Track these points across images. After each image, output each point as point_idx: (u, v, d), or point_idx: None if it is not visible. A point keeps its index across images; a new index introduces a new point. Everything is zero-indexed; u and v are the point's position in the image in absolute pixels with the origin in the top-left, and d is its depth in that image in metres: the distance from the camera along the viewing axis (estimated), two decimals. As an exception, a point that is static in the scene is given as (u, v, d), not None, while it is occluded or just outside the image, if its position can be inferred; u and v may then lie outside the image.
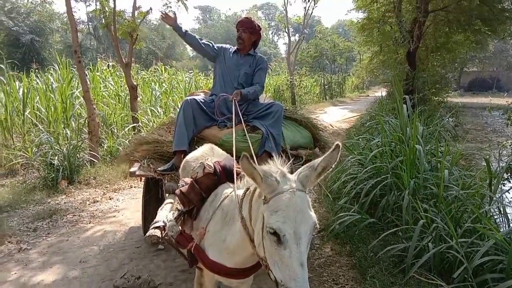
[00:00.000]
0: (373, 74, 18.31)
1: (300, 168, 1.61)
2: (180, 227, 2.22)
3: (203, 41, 4.12)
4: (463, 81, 33.45)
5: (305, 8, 21.37)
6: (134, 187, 6.35)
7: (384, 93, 14.58)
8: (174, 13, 4.09)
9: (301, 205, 1.45)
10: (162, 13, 4.02)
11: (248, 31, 3.92)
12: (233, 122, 3.17)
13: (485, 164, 3.96)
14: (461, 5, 10.37)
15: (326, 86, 27.68)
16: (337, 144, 1.66)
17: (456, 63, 16.17)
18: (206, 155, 2.58)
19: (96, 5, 31.24)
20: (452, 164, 4.54)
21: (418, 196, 3.92)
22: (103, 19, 8.28)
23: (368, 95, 31.75)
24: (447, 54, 13.43)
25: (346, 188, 4.78)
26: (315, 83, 26.38)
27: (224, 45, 4.17)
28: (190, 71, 15.97)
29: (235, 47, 4.07)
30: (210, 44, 4.11)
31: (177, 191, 2.25)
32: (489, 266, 3.00)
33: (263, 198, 1.54)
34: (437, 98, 13.37)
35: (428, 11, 10.64)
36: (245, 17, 4.02)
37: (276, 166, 1.59)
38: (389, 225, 3.99)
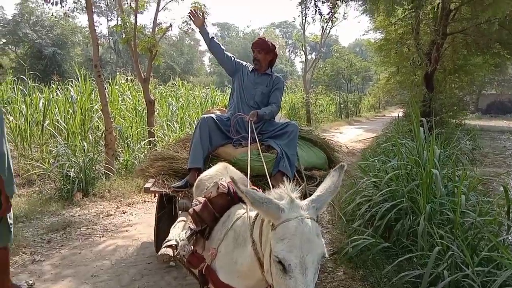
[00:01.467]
0: (389, 95, 18.26)
1: (312, 196, 1.59)
2: (192, 247, 2.20)
3: (227, 52, 4.16)
4: (481, 104, 33.02)
5: (322, 27, 21.51)
6: (148, 201, 6.38)
7: (400, 114, 14.48)
8: (203, 14, 4.12)
9: (308, 234, 1.42)
10: (191, 11, 4.06)
11: (263, 52, 3.95)
12: (249, 142, 3.18)
13: (503, 191, 3.87)
14: (480, 28, 10.30)
15: (342, 105, 27.64)
16: (341, 165, 1.69)
17: (474, 85, 16.05)
18: (220, 174, 2.57)
19: (117, 20, 31.99)
20: (469, 189, 4.46)
21: (434, 221, 3.84)
22: (123, 34, 8.46)
23: (384, 115, 31.58)
24: (465, 77, 13.32)
25: (360, 210, 4.72)
26: (331, 102, 26.39)
27: (243, 62, 4.21)
28: (207, 87, 16.15)
29: (252, 66, 4.11)
30: (232, 58, 4.15)
31: (190, 210, 2.24)
32: (507, 297, 2.92)
33: (271, 224, 1.51)
34: (454, 121, 13.22)
35: (446, 34, 10.60)
36: (259, 38, 4.05)
37: (286, 191, 1.56)
38: (404, 250, 3.91)
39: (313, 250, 1.41)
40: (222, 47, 4.16)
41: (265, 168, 2.67)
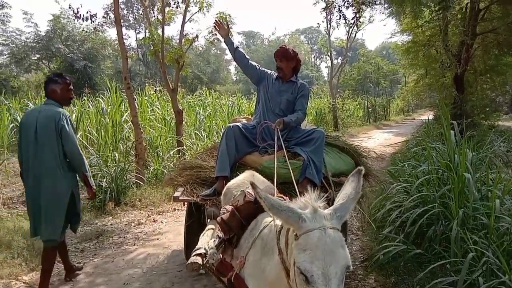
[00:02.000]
0: (419, 97, 17.93)
1: (335, 205, 1.56)
2: (220, 255, 2.22)
3: (251, 62, 4.19)
4: (515, 104, 31.92)
5: (348, 31, 21.39)
6: (178, 210, 6.47)
7: (431, 117, 14.18)
8: (227, 24, 4.17)
9: (331, 245, 1.39)
10: (216, 21, 4.13)
11: (285, 60, 3.96)
12: (275, 149, 3.20)
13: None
14: (511, 27, 10.02)
15: (370, 109, 27.29)
16: (359, 169, 1.65)
17: (507, 85, 15.52)
18: (247, 182, 2.59)
19: (145, 33, 32.72)
20: (504, 192, 4.31)
21: (467, 226, 3.74)
22: (151, 46, 8.66)
23: (414, 118, 30.99)
24: (497, 77, 12.95)
25: (391, 216, 4.64)
26: (358, 106, 26.10)
27: (267, 71, 4.23)
28: (233, 95, 16.30)
29: (277, 74, 4.12)
30: (257, 66, 4.18)
31: (218, 219, 2.26)
32: (546, 305, 2.80)
33: (294, 234, 1.49)
34: (487, 123, 12.84)
35: (476, 34, 10.35)
36: (280, 46, 4.06)
37: (309, 201, 1.54)
38: (436, 257, 3.82)
39: (336, 261, 1.38)
40: (247, 56, 4.20)
41: (292, 175, 2.68)
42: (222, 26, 4.06)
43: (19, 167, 3.73)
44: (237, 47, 4.12)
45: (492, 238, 3.38)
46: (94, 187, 3.96)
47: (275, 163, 2.81)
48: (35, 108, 4.05)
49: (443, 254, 3.74)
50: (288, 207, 1.50)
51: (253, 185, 1.57)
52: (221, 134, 3.92)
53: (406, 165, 6.14)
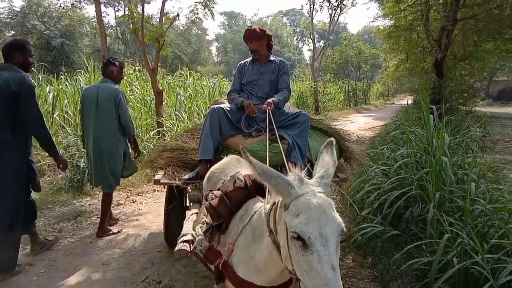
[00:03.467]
0: (399, 82, 18.12)
1: (319, 173, 1.59)
2: (208, 242, 2.20)
3: (236, 90, 4.04)
4: (492, 91, 32.58)
5: (331, 14, 21.32)
6: (157, 191, 6.44)
7: (410, 101, 14.36)
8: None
9: (323, 206, 1.40)
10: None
11: (255, 40, 3.86)
12: (267, 131, 3.15)
13: (514, 178, 3.85)
14: (491, 14, 10.14)
15: (350, 93, 27.47)
16: (330, 141, 1.74)
17: (485, 72, 15.83)
18: (233, 166, 2.54)
19: (125, 10, 31.96)
20: (479, 176, 4.43)
21: (444, 209, 3.82)
22: (131, 24, 8.45)
23: (393, 103, 31.36)
24: (476, 63, 13.17)
25: (369, 198, 4.72)
26: (339, 90, 26.23)
27: (239, 64, 4.12)
28: (214, 77, 16.12)
29: (250, 58, 4.03)
30: (238, 89, 4.03)
31: (207, 204, 2.20)
32: (517, 284, 2.90)
33: (283, 205, 1.49)
34: (464, 108, 13.09)
35: (457, 19, 10.45)
36: (246, 30, 3.93)
37: (295, 172, 1.55)
38: (413, 238, 3.91)
39: (331, 222, 1.38)
40: (234, 96, 3.95)
41: (288, 167, 2.66)
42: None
43: (81, 131, 4.81)
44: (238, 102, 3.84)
45: (467, 220, 3.47)
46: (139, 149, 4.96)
47: (267, 148, 2.74)
48: (94, 85, 4.68)
49: (419, 236, 3.83)
50: (277, 174, 1.51)
51: (243, 151, 1.56)
52: (204, 116, 3.85)
53: (385, 149, 6.23)
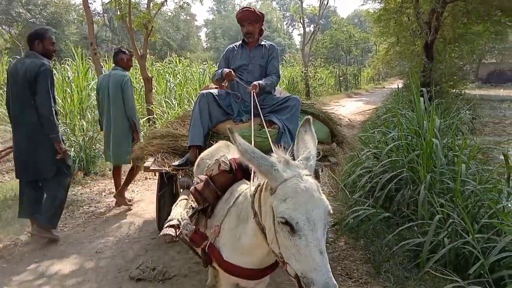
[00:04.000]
0: (389, 66, 18.12)
1: (303, 155, 1.58)
2: (194, 226, 2.19)
3: (223, 69, 3.96)
4: (481, 73, 32.73)
5: (320, -2, 21.15)
6: (149, 178, 6.41)
7: (400, 85, 14.39)
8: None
9: (310, 189, 1.40)
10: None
11: (254, 22, 3.78)
12: (251, 114, 3.12)
13: (503, 158, 3.89)
14: (480, -5, 10.15)
15: (341, 78, 27.41)
16: (307, 118, 1.73)
17: (474, 54, 15.88)
18: (222, 152, 2.55)
19: (111, -4, 31.39)
20: (469, 158, 4.47)
21: (434, 190, 3.87)
22: (118, 11, 8.31)
23: (384, 87, 31.40)
24: (465, 46, 13.20)
25: (361, 182, 4.75)
26: (330, 75, 26.14)
27: (227, 49, 4.07)
28: (204, 63, 15.98)
29: (239, 42, 3.98)
30: (224, 61, 4.00)
31: (192, 189, 2.20)
32: (506, 262, 2.96)
33: (269, 189, 1.48)
34: (454, 91, 13.16)
35: (446, 2, 10.43)
36: (245, 9, 3.82)
37: (279, 154, 1.53)
38: (404, 220, 3.95)
39: (318, 206, 1.38)
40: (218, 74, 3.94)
41: (273, 149, 2.65)
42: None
43: (99, 115, 5.29)
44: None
45: (458, 201, 3.51)
46: (140, 133, 5.17)
47: (252, 131, 2.72)
48: (106, 73, 5.23)
49: (410, 217, 3.89)
50: (261, 155, 1.49)
51: (230, 130, 1.55)
52: (194, 102, 3.81)
53: (376, 132, 6.26)
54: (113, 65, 5.11)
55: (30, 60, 3.78)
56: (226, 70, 3.72)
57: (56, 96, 8.50)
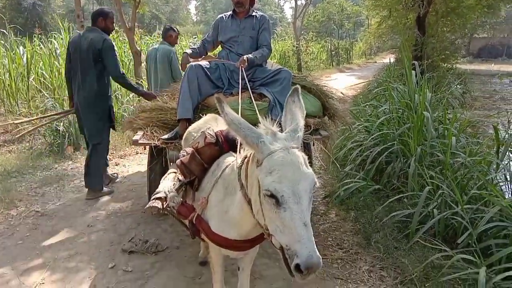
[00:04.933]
0: (381, 40, 17.97)
1: (291, 126, 1.56)
2: (181, 198, 2.16)
3: (206, 44, 4.02)
4: (472, 48, 32.69)
5: (312, -30, 20.76)
6: (140, 153, 6.38)
7: (392, 60, 14.32)
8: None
9: (296, 162, 1.39)
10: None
11: None
12: (239, 89, 3.10)
13: (493, 132, 3.91)
14: (474, -32, 10.02)
15: (333, 52, 27.21)
16: (295, 88, 1.70)
17: (466, 28, 15.76)
18: (210, 125, 2.52)
19: (98, -32, 30.53)
20: (459, 131, 4.50)
21: (425, 163, 3.90)
22: (105, -18, 8.09)
23: (375, 62, 31.23)
24: (457, 19, 13.09)
25: (352, 155, 4.77)
26: (322, 49, 25.92)
27: (216, 19, 4.00)
28: (194, 37, 15.72)
29: (230, 12, 3.90)
30: (211, 36, 3.99)
31: (178, 162, 2.20)
32: (493, 232, 3.02)
33: (256, 161, 1.48)
34: (445, 65, 13.13)
35: (439, -26, 10.30)
36: None
37: (266, 126, 1.52)
38: (395, 192, 3.99)
39: (304, 178, 1.38)
40: (196, 48, 3.98)
41: (260, 120, 2.64)
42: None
43: (147, 83, 5.93)
44: (191, 52, 3.88)
45: (448, 173, 3.55)
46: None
47: (240, 104, 2.70)
48: (154, 47, 5.68)
49: (401, 189, 3.92)
50: (248, 126, 1.48)
51: (218, 99, 1.52)
52: (182, 75, 3.76)
53: (367, 106, 6.26)
54: (162, 39, 5.67)
55: (93, 34, 4.28)
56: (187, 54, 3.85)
57: (43, 70, 8.45)
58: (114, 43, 4.56)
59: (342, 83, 14.22)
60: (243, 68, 3.41)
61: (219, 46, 4.14)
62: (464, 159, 3.70)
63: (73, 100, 4.54)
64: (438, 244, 3.00)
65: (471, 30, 19.82)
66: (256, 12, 3.87)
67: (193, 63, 3.64)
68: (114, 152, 6.42)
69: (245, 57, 3.49)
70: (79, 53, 4.29)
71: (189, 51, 3.90)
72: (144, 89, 5.59)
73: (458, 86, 9.30)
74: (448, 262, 2.74)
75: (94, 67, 4.29)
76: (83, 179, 4.62)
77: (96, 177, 4.53)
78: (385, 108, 5.25)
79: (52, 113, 5.66)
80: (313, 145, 3.90)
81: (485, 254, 2.85)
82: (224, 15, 3.95)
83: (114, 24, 4.71)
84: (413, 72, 4.96)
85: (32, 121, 6.04)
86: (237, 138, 1.54)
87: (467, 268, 2.68)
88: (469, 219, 3.01)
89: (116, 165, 5.88)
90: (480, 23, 22.96)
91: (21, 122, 6.22)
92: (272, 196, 1.36)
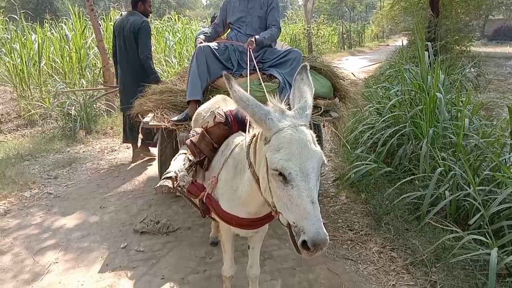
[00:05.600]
0: (393, 22, 17.62)
1: (300, 104, 1.54)
2: (191, 178, 2.18)
3: (217, 28, 4.02)
4: (487, 30, 31.93)
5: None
6: (151, 136, 6.40)
7: (405, 42, 14.07)
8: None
9: (305, 140, 1.38)
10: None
11: None
12: (248, 71, 3.08)
13: (507, 114, 3.84)
14: None
15: (344, 35, 26.84)
16: (304, 65, 1.69)
17: (481, 10, 15.37)
18: (219, 105, 2.51)
19: (107, -48, 30.31)
20: (472, 113, 4.42)
21: (437, 145, 3.85)
22: (114, -35, 8.04)
23: (388, 45, 30.74)
24: (472, 0, 12.77)
25: (363, 137, 4.73)
26: (333, 32, 25.59)
27: (224, 2, 3.98)
28: (204, 20, 15.63)
29: None
30: (217, 23, 4.00)
31: (188, 141, 2.20)
32: (506, 213, 2.98)
33: (263, 139, 1.46)
34: (459, 47, 12.86)
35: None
36: None
37: (275, 103, 1.49)
38: (406, 174, 3.95)
39: (312, 156, 1.37)
40: (208, 33, 3.97)
41: (268, 98, 2.62)
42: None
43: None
44: (201, 42, 3.78)
45: (460, 155, 3.49)
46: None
47: (248, 86, 2.69)
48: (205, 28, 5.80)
49: (412, 172, 3.88)
50: (256, 103, 1.46)
51: (226, 76, 1.51)
52: (191, 56, 3.74)
53: (379, 88, 6.18)
54: (211, 23, 5.75)
55: (134, 17, 4.80)
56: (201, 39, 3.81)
57: (54, 55, 8.49)
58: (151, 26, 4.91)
59: (353, 66, 14.06)
60: (251, 50, 3.39)
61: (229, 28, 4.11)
62: (477, 141, 3.64)
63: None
64: (449, 225, 2.98)
65: (486, 11, 19.36)
66: None
67: (202, 44, 3.62)
68: (125, 135, 6.46)
69: (253, 38, 3.46)
70: (122, 34, 4.83)
71: (202, 36, 3.86)
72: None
73: (472, 68, 9.12)
74: (459, 243, 2.72)
75: (136, 46, 4.75)
76: (95, 162, 4.67)
77: (145, 139, 5.19)
78: (397, 90, 5.17)
79: (100, 87, 6.62)
80: (324, 126, 3.87)
81: (497, 236, 2.82)
82: None
83: (151, 7, 5.18)
84: (426, 53, 4.87)
85: (83, 91, 6.69)
86: (246, 116, 1.53)
87: (479, 249, 2.66)
88: (481, 200, 2.97)
89: (128, 148, 5.91)
90: (496, 4, 22.42)
91: (76, 91, 6.93)
92: (280, 173, 1.35)
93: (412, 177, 3.70)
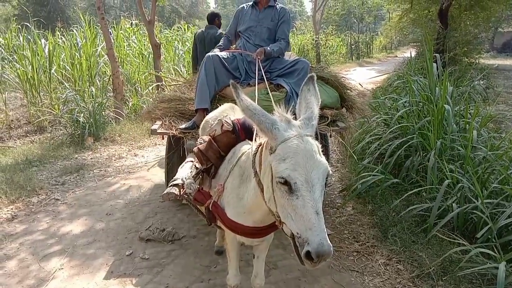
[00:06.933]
0: (402, 33, 17.65)
1: (306, 114, 1.54)
2: (198, 185, 2.18)
3: (228, 38, 4.07)
4: (496, 42, 31.77)
5: (332, -37, 20.51)
6: (159, 144, 6.44)
7: (413, 54, 14.06)
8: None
9: (310, 150, 1.38)
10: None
11: None
12: (256, 81, 3.09)
13: (516, 126, 3.81)
14: (499, -41, 9.74)
15: (353, 46, 26.86)
16: (310, 76, 1.70)
17: (490, 22, 15.33)
18: (226, 114, 2.53)
19: (119, -38, 30.77)
20: (481, 125, 4.40)
21: (445, 157, 3.82)
22: (126, -25, 8.16)
23: (396, 56, 30.69)
24: (481, 13, 12.74)
25: (370, 148, 4.71)
26: (341, 43, 25.62)
27: (238, 9, 4.02)
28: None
29: (251, 2, 3.90)
30: (230, 32, 4.04)
31: (195, 149, 2.21)
32: (514, 227, 2.95)
33: (269, 148, 1.47)
34: (468, 59, 12.82)
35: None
36: None
37: (281, 113, 1.50)
38: (413, 186, 3.92)
39: (318, 166, 1.37)
40: (224, 43, 4.03)
41: (274, 107, 2.62)
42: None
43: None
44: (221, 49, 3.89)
45: (468, 167, 3.47)
46: None
47: (256, 95, 2.70)
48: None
49: (419, 183, 3.85)
50: (263, 112, 1.47)
51: (233, 85, 1.52)
52: (200, 65, 3.77)
53: (386, 99, 6.16)
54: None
55: (213, 30, 5.66)
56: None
57: (65, 63, 8.60)
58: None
59: (361, 77, 14.05)
60: (259, 60, 3.41)
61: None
62: (485, 153, 3.61)
63: None
64: (456, 238, 2.95)
65: (495, 23, 19.33)
66: (277, 4, 3.86)
67: (210, 53, 3.65)
68: (133, 143, 6.51)
69: (262, 49, 3.49)
70: (203, 42, 5.60)
71: (216, 50, 3.89)
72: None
73: (481, 81, 9.08)
74: (466, 256, 2.69)
75: None
76: (102, 169, 4.69)
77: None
78: (405, 101, 5.16)
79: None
80: (330, 136, 3.86)
81: (505, 250, 2.78)
82: (246, 5, 3.97)
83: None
84: (434, 65, 4.86)
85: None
86: (252, 125, 1.53)
87: (486, 263, 2.63)
88: (489, 213, 2.94)
89: (135, 155, 5.95)
90: (505, 17, 22.37)
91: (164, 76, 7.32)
92: (285, 183, 1.35)
93: (420, 189, 3.67)
